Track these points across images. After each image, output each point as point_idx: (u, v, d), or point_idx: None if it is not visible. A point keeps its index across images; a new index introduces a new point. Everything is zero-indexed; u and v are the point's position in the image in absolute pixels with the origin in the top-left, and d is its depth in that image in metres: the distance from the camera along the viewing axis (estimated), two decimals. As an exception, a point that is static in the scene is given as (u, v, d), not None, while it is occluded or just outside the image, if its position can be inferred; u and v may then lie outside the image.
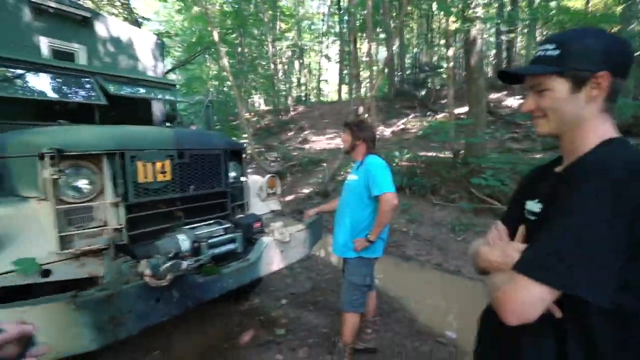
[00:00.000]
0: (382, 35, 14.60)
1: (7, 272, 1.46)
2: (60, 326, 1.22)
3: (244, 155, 2.54)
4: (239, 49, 17.63)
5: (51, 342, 1.26)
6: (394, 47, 13.52)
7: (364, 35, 12.75)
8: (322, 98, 22.10)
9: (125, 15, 10.71)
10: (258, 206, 2.68)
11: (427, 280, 3.90)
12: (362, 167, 2.11)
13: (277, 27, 17.63)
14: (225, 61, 8.94)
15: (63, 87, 2.72)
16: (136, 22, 10.53)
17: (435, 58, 17.42)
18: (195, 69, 18.66)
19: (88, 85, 2.81)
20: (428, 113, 11.32)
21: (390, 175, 2.05)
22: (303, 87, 21.39)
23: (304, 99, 20.47)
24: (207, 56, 17.48)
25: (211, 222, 1.96)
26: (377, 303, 2.56)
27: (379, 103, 11.46)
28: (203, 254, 1.66)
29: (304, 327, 2.73)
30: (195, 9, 14.20)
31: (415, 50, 18.50)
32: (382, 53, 17.78)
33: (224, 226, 1.89)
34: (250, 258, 1.88)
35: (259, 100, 21.02)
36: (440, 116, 10.67)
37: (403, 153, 7.18)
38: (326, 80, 23.89)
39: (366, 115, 8.16)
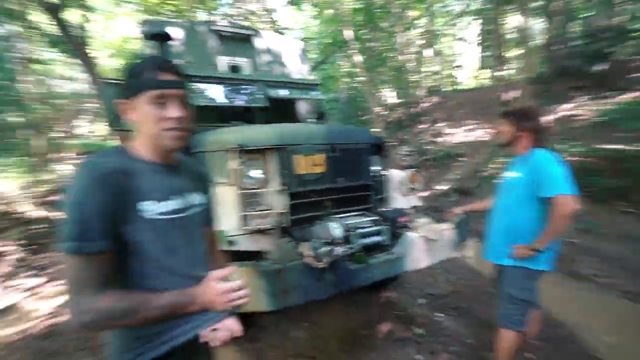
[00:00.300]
0: (538, 3, 12.06)
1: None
2: (249, 287, 1.52)
3: (385, 150, 2.56)
4: (370, 44, 17.87)
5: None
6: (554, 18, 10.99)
7: (511, 7, 10.84)
8: (457, 86, 20.15)
9: (270, 28, 12.38)
10: (398, 201, 2.66)
11: (611, 311, 3.04)
12: (526, 163, 1.80)
13: (407, 17, 17.00)
14: (358, 58, 9.22)
15: (236, 95, 3.35)
16: (279, 32, 12.05)
17: (618, 19, 13.22)
18: (328, 68, 19.95)
19: (253, 91, 3.37)
20: (606, 93, 8.70)
21: (566, 174, 1.68)
22: (435, 77, 20.00)
23: (436, 89, 19.15)
24: (338, 55, 18.45)
25: (357, 213, 2.05)
26: (542, 326, 2.17)
27: (533, 85, 9.57)
28: (354, 243, 1.76)
29: (444, 332, 2.58)
30: (328, 11, 15.17)
31: (585, 14, 14.49)
32: (534, 26, 14.72)
33: (371, 218, 1.95)
34: (395, 252, 1.88)
35: (389, 94, 20.85)
36: (629, 96, 8.07)
37: (572, 145, 5.79)
38: (462, 66, 21.62)
39: (519, 101, 6.95)
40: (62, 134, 8.80)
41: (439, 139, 10.38)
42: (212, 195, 1.10)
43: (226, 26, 4.12)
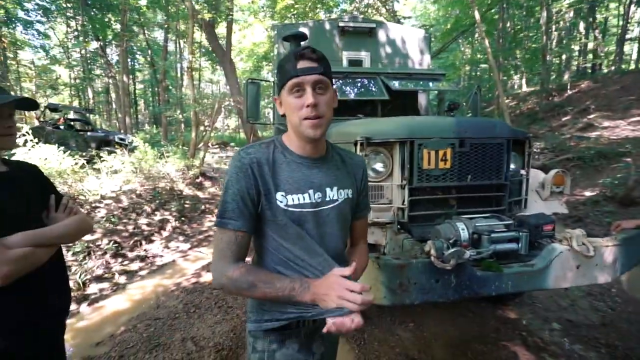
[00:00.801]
0: None
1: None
2: (369, 278, 1.56)
3: (528, 146, 2.23)
4: (500, 25, 15.69)
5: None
6: None
7: None
8: (621, 67, 15.81)
9: (389, 18, 12.11)
10: (537, 205, 2.29)
11: None
12: None
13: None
14: (485, 42, 8.22)
15: (358, 88, 3.42)
16: (398, 22, 11.70)
17: None
18: (448, 56, 18.46)
19: (374, 84, 3.38)
20: None
21: None
22: (590, 56, 16.14)
23: (590, 70, 15.48)
24: (460, 41, 16.84)
25: (488, 215, 1.86)
26: None
27: None
28: (484, 247, 1.60)
29: (592, 372, 2.12)
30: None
31: None
32: None
33: (505, 222, 1.73)
34: (535, 264, 1.63)
35: (519, 82, 18.00)
36: None
37: None
38: (633, 39, 16.85)
39: None
40: (207, 128, 10.70)
41: (590, 134, 8.41)
42: (365, 186, 1.07)
43: (350, 22, 4.24)
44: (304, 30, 3.97)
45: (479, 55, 17.72)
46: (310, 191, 0.90)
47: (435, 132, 1.96)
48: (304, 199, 0.89)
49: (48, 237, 1.06)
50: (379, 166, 2.05)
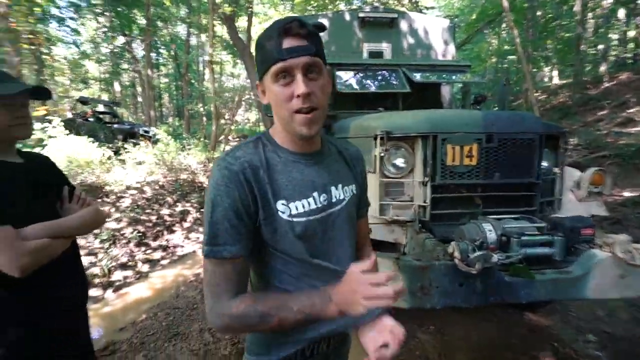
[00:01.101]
0: None
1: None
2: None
3: (563, 142, 2.05)
4: (529, 15, 14.87)
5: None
6: None
7: None
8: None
9: (411, 9, 11.70)
10: (572, 207, 2.12)
11: None
12: None
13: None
14: (514, 32, 7.78)
15: (378, 81, 3.30)
16: (421, 12, 11.29)
17: None
18: (473, 48, 17.74)
19: (396, 77, 3.25)
20: None
21: None
22: (630, 45, 15.01)
23: (630, 61, 14.42)
24: (486, 32, 16.10)
25: (517, 216, 1.72)
26: None
27: None
28: (513, 251, 1.48)
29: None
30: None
31: None
32: None
33: (537, 224, 1.60)
34: (572, 271, 1.50)
35: (549, 74, 17.06)
36: None
37: None
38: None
39: None
40: (228, 121, 10.82)
41: (631, 129, 7.84)
42: (364, 178, 0.95)
43: (370, 12, 4.10)
44: (324, 21, 3.86)
45: (506, 47, 16.89)
46: (315, 194, 0.76)
47: (461, 126, 1.83)
48: (309, 204, 0.75)
49: (64, 228, 1.05)
50: (399, 162, 1.95)
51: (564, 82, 15.07)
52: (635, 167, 6.28)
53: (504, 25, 15.34)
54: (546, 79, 17.62)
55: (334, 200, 0.80)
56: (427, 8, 14.66)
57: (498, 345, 2.32)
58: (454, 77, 3.36)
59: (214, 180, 0.69)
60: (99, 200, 5.03)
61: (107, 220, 4.51)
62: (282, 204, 0.72)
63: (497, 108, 3.11)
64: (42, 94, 1.13)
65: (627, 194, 5.45)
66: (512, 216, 1.71)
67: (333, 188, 0.81)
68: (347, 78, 3.25)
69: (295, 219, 0.73)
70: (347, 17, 4.12)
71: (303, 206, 0.74)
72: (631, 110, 8.78)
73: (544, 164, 2.02)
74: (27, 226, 0.96)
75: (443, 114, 2.03)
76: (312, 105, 0.68)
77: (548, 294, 1.50)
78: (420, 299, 1.50)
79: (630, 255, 1.48)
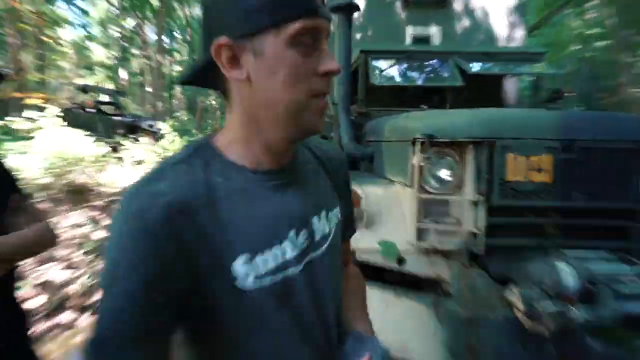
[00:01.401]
0: None
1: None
2: (422, 333, 1.31)
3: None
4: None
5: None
6: None
7: None
8: None
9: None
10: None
11: None
12: None
13: None
14: (605, 12, 7.32)
15: (423, 72, 3.16)
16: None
17: None
18: (550, 31, 17.09)
19: (445, 68, 3.09)
20: None
21: None
22: None
23: None
24: (566, 12, 15.43)
25: (609, 255, 1.50)
26: None
27: None
28: (605, 306, 1.26)
29: None
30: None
31: None
32: None
33: (637, 266, 1.37)
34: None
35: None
36: None
37: None
38: None
39: None
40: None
41: None
42: (349, 190, 0.81)
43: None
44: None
45: (593, 30, 16.10)
46: (292, 232, 0.59)
47: (528, 131, 1.65)
48: (284, 253, 0.57)
49: None
50: (444, 174, 1.78)
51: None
52: None
53: (590, 2, 14.64)
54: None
55: (317, 237, 0.64)
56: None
57: None
58: (522, 68, 3.15)
59: (115, 238, 0.48)
60: (86, 204, 5.19)
61: (98, 229, 4.61)
62: (244, 262, 0.53)
63: (580, 108, 2.87)
64: None
65: None
66: (601, 255, 1.49)
67: (315, 219, 0.64)
68: (385, 68, 3.13)
69: (265, 282, 0.55)
70: (389, -6, 4.04)
71: (276, 257, 0.56)
72: None
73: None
74: None
75: (504, 114, 1.86)
76: (329, 90, 0.58)
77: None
78: (465, 361, 1.33)
79: None
